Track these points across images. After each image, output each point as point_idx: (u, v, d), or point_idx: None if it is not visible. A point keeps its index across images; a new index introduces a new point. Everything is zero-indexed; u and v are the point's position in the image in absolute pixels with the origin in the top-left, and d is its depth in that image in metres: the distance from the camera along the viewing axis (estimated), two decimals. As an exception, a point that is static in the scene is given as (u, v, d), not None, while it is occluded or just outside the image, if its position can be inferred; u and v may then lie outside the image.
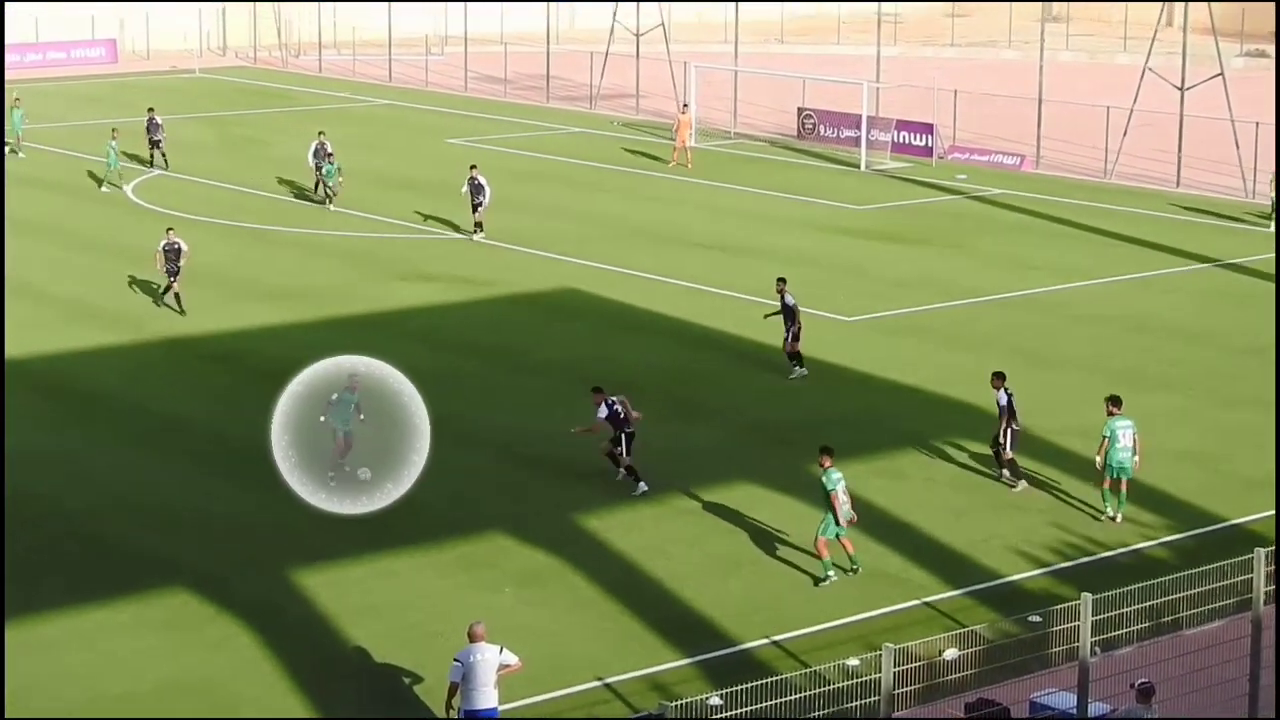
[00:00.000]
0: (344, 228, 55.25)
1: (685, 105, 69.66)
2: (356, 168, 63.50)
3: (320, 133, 60.19)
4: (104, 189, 61.18)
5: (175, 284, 44.76)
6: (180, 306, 44.62)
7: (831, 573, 28.44)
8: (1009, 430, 32.81)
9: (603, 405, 32.57)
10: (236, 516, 31.61)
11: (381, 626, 27.11)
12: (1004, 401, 32.79)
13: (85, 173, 64.43)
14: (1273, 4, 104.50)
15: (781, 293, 39.78)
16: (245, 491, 32.79)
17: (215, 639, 26.73)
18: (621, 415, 32.52)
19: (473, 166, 54.10)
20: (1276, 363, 39.94)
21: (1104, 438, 31.35)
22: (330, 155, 57.96)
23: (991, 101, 75.75)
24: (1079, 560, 29.73)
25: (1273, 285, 48.34)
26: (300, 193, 59.29)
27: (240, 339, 43.01)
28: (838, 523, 28.51)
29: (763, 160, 68.84)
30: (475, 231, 53.27)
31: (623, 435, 32.53)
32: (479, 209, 53.14)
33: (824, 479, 28.55)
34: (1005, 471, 33.07)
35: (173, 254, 44.78)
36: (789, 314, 39.57)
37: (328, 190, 58.02)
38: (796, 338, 39.55)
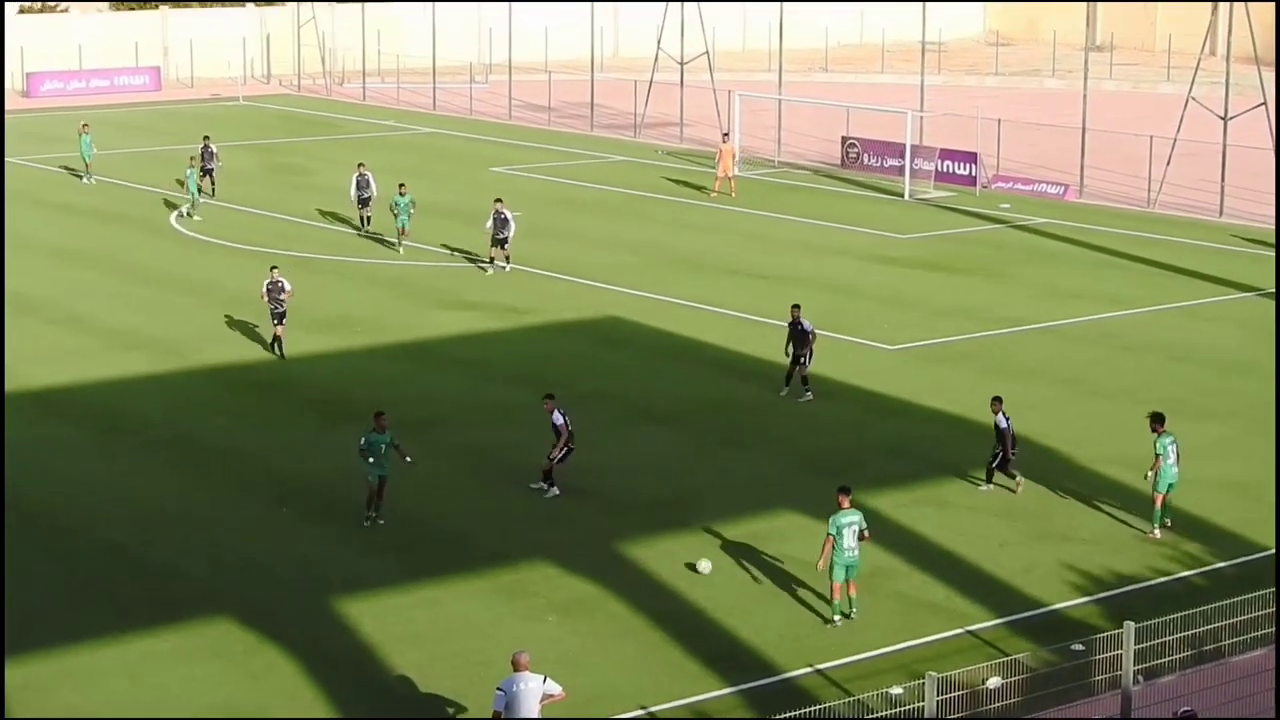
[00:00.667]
0: (389, 256, 55.49)
1: (726, 134, 69.79)
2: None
3: (360, 165, 60.18)
4: (195, 216, 61.12)
5: (280, 329, 43.69)
6: (281, 351, 43.82)
7: (836, 618, 28.33)
8: (1008, 453, 33.71)
9: (555, 413, 33.80)
10: (282, 545, 31.76)
11: (424, 655, 27.22)
12: (1003, 425, 33.62)
13: (130, 200, 64.87)
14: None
15: (797, 319, 40.16)
16: (292, 520, 33.00)
17: (258, 668, 26.87)
18: (566, 426, 33.72)
19: (498, 200, 53.66)
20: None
21: (1158, 456, 31.96)
22: (401, 187, 56.00)
23: (1035, 131, 75.74)
24: (1121, 589, 29.70)
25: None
26: (365, 233, 59.21)
27: (286, 367, 43.21)
28: (838, 564, 28.34)
29: (807, 189, 68.95)
30: (505, 263, 52.73)
31: (559, 443, 33.78)
32: (505, 243, 52.59)
33: (830, 520, 28.46)
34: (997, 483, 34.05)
35: (276, 293, 43.74)
36: (802, 339, 40.19)
37: (398, 231, 55.84)
38: (807, 362, 40.41)
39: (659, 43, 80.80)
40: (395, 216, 55.51)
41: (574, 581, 29.98)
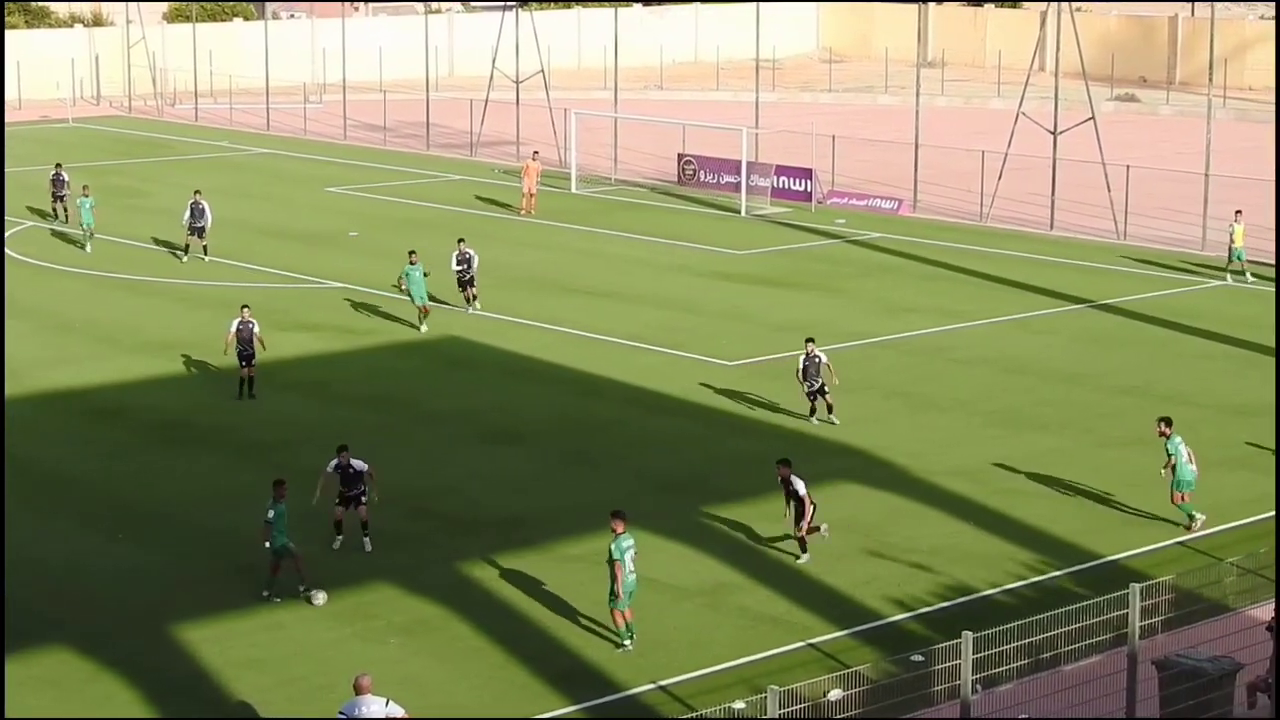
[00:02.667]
0: (224, 278, 54.98)
1: (536, 153, 69.45)
2: (235, 217, 63.23)
3: (196, 192, 58.63)
4: (87, 248, 58.70)
5: (251, 370, 41.57)
6: (252, 391, 41.65)
7: (628, 641, 27.96)
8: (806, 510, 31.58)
9: (336, 462, 32.26)
10: (120, 572, 31.38)
11: (266, 680, 27.01)
12: (801, 491, 31.60)
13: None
14: (1136, 52, 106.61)
15: (810, 352, 39.56)
16: (129, 547, 32.61)
17: (96, 697, 26.52)
18: (352, 472, 32.11)
19: (460, 240, 50.83)
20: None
21: (1170, 457, 33.07)
22: (413, 255, 48.41)
23: (869, 146, 76.50)
24: (960, 599, 30.07)
25: (1145, 325, 49.29)
26: (191, 259, 58.45)
27: (123, 392, 42.69)
28: (614, 594, 27.85)
29: (644, 206, 69.18)
30: (470, 304, 50.15)
31: (352, 495, 32.13)
32: (474, 283, 50.05)
33: (612, 546, 27.91)
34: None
35: (246, 338, 41.56)
36: (815, 370, 39.51)
37: (419, 311, 48.41)
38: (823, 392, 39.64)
39: (494, 61, 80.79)
40: (407, 291, 48.40)
41: (417, 603, 29.89)
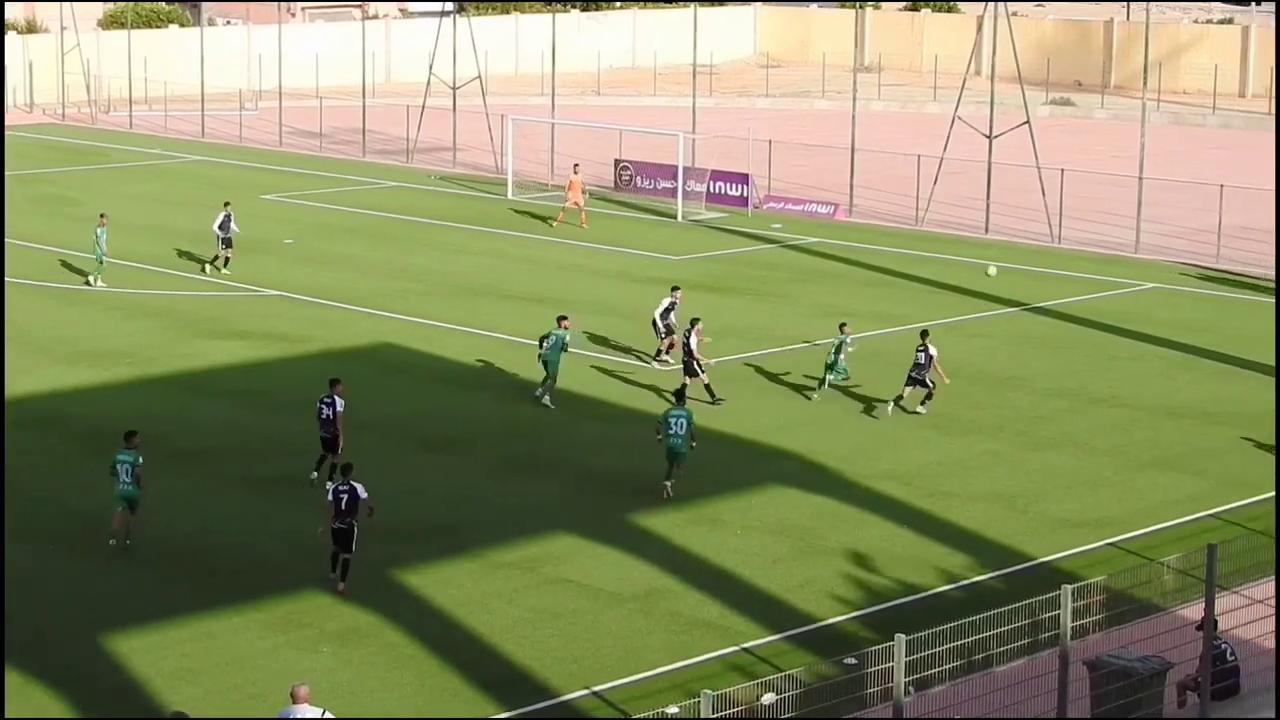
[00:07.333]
0: (158, 286, 54.68)
1: (576, 165, 68.48)
2: (169, 225, 62.90)
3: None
4: (97, 283, 54.37)
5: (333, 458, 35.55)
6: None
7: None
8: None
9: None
10: (49, 582, 31.15)
11: (199, 690, 26.84)
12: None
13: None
14: (1072, 56, 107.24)
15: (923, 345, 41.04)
16: (57, 556, 32.37)
17: (28, 709, 26.30)
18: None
19: (675, 288, 46.13)
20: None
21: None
22: (563, 321, 42.01)
23: (805, 151, 76.63)
24: (893, 602, 30.13)
25: (1078, 328, 49.56)
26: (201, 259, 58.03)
27: (55, 401, 42.38)
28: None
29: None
30: (666, 356, 44.82)
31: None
32: (673, 347, 44.20)
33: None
34: None
35: (329, 423, 36.01)
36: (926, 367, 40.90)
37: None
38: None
39: (431, 68, 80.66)
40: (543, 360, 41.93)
41: (349, 611, 29.76)
